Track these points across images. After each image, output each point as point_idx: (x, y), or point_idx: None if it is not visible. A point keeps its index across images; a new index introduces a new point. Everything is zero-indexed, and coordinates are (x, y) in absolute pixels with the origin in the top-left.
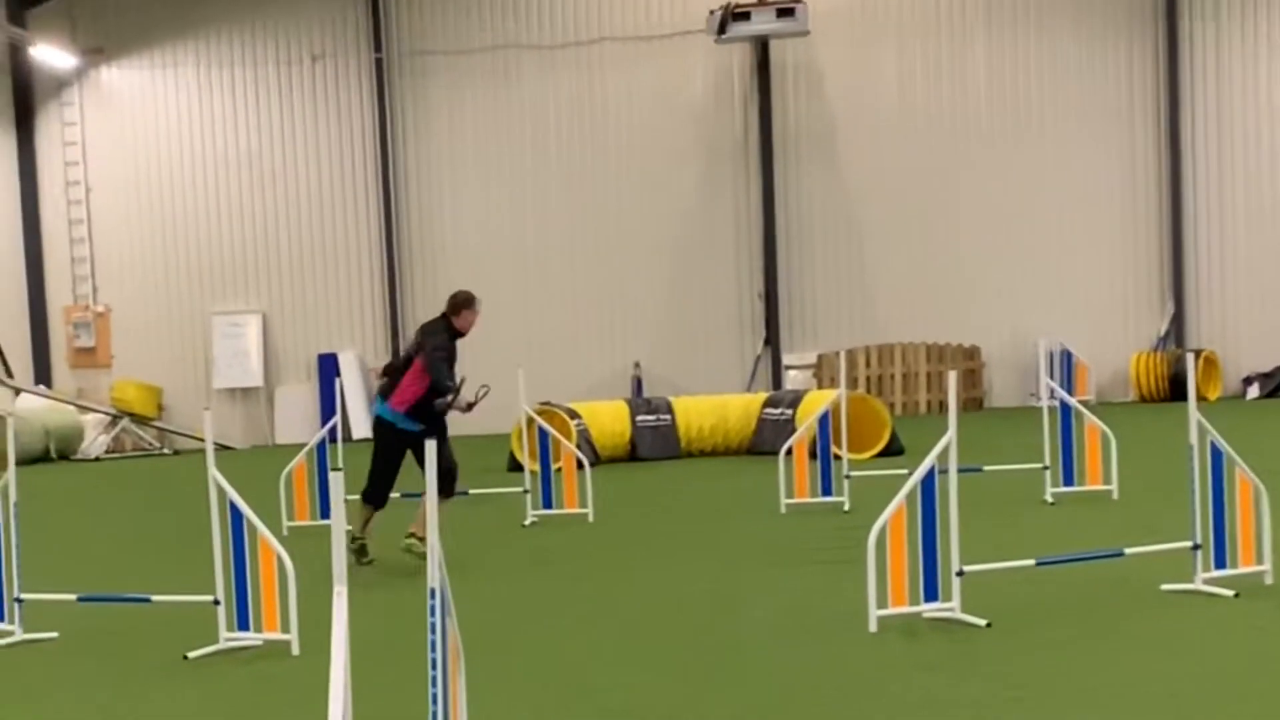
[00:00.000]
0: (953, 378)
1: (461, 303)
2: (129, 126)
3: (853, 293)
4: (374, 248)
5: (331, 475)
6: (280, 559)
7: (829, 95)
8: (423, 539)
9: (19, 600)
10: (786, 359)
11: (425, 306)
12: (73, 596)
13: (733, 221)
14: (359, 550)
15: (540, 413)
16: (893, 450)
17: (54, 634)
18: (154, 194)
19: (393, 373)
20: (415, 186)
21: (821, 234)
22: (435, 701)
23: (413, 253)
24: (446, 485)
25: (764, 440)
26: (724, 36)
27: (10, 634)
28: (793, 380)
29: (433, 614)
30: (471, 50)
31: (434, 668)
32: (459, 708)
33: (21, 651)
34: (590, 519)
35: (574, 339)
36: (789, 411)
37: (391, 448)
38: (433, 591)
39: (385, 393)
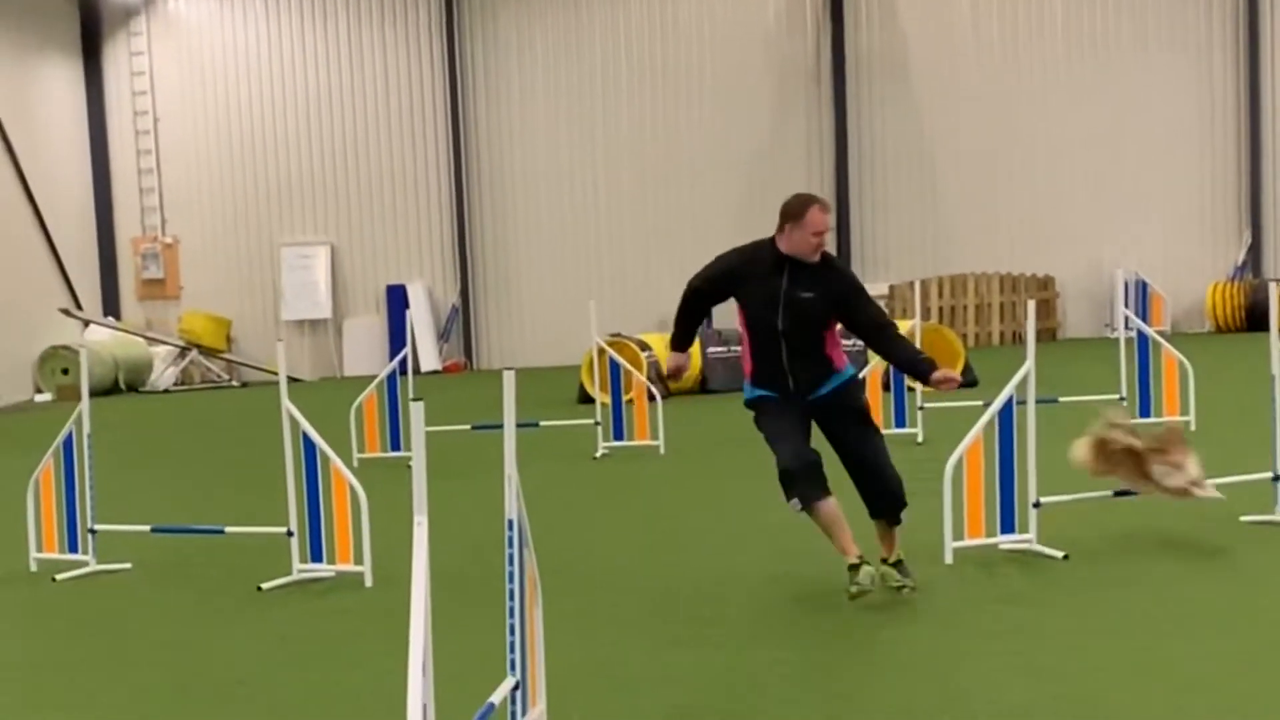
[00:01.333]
0: (1031, 307)
1: (781, 215)
2: (197, 56)
3: (925, 222)
4: (443, 178)
5: (413, 405)
6: (354, 490)
7: (903, 21)
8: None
9: (93, 531)
10: None
11: (495, 238)
12: (146, 528)
13: (804, 150)
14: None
15: (611, 344)
16: (966, 382)
17: (127, 565)
18: (222, 124)
19: None
20: (484, 116)
21: (894, 162)
22: (513, 633)
23: (482, 183)
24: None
25: None
26: None
27: (84, 564)
28: None
29: (511, 545)
30: None
31: (511, 599)
32: (536, 640)
33: (95, 582)
34: (661, 451)
35: (644, 270)
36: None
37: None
38: (510, 523)
39: None
